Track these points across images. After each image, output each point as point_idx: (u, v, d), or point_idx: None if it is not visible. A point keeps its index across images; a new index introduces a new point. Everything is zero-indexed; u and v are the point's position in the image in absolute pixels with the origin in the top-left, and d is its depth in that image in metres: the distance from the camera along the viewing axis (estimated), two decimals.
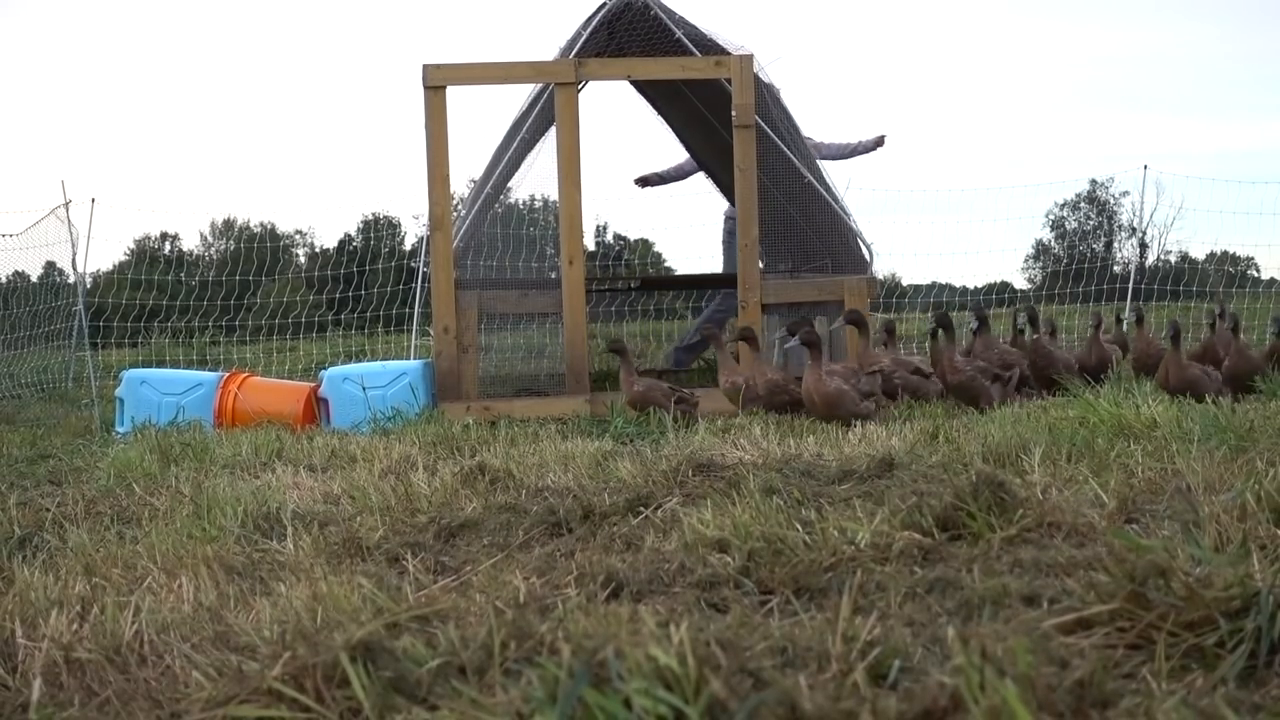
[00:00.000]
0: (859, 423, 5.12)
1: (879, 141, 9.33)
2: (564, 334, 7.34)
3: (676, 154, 11.20)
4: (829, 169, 8.85)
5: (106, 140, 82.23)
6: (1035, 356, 6.41)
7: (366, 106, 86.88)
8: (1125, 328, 8.04)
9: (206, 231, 42.17)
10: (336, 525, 3.26)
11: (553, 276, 10.76)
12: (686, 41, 7.88)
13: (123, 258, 30.21)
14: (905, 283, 17.95)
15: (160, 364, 12.14)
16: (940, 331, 6.18)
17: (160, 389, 7.08)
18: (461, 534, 3.09)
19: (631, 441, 4.98)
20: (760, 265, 8.01)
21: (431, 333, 7.79)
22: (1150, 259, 28.30)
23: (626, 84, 9.50)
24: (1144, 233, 26.43)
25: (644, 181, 9.46)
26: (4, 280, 12.87)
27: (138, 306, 14.55)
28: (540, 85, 8.02)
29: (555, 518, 3.12)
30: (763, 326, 7.63)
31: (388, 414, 6.61)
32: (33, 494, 4.36)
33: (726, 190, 10.14)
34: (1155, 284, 15.56)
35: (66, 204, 11.95)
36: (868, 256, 8.13)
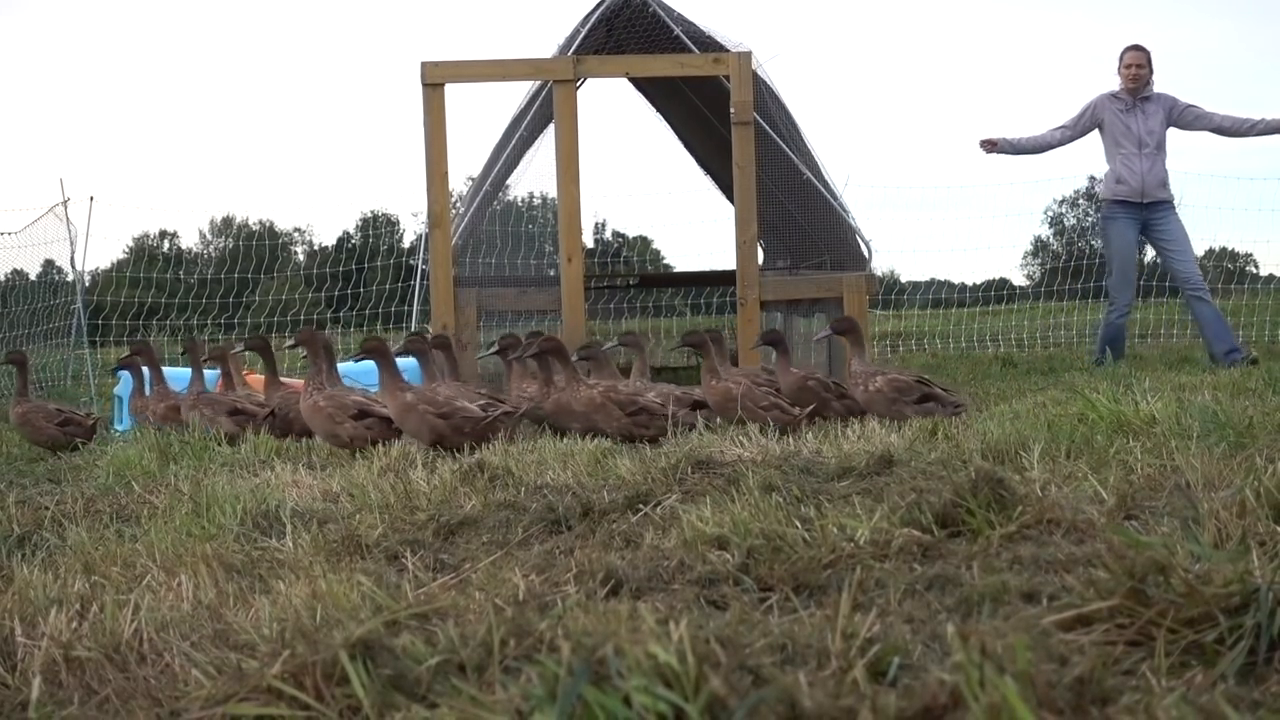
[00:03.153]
0: (857, 420, 5.10)
1: None
2: (563, 331, 7.34)
3: (677, 154, 11.13)
4: (828, 166, 8.83)
5: (105, 138, 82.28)
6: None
7: (365, 104, 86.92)
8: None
9: (205, 229, 42.19)
10: (336, 523, 3.25)
11: (551, 274, 10.77)
12: (685, 39, 7.88)
13: (121, 255, 30.26)
14: (904, 279, 17.99)
15: (159, 362, 12.09)
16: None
17: None
18: (461, 531, 3.09)
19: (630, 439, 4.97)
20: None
21: (430, 330, 7.79)
22: (1149, 256, 28.24)
23: (625, 81, 9.51)
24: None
25: (991, 145, 8.79)
26: (2, 278, 12.86)
27: (136, 304, 14.56)
28: (539, 83, 8.02)
29: (554, 515, 3.12)
30: (761, 325, 7.62)
31: None
32: (32, 492, 4.36)
33: (725, 188, 10.12)
34: (1154, 281, 15.54)
35: (65, 202, 11.96)
36: (866, 253, 8.15)
